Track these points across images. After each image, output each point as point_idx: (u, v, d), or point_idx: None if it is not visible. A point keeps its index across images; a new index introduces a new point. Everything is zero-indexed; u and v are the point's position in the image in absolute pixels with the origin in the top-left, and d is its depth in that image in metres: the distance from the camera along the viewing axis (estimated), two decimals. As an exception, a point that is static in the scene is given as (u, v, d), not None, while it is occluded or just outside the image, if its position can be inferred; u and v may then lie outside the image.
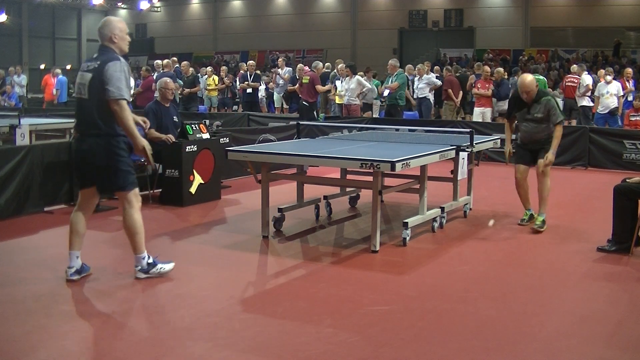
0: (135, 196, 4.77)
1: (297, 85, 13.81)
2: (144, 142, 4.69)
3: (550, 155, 6.45)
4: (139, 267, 4.86)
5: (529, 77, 6.59)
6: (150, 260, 4.89)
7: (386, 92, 13.12)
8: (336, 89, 14.34)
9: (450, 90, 14.43)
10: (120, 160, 4.65)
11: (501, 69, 14.27)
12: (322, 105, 15.07)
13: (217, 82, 16.62)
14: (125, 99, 4.54)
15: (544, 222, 6.54)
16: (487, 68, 14.18)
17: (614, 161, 10.74)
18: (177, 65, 15.95)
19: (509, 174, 7.88)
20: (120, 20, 4.83)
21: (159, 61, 15.43)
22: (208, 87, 16.57)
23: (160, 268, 4.92)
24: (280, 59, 18.21)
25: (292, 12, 34.76)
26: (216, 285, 4.94)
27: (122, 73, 4.53)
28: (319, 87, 13.27)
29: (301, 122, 8.19)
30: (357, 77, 13.67)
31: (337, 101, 14.51)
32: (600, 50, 26.88)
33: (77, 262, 4.84)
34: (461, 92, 15.00)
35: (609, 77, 12.95)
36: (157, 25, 38.43)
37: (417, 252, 5.81)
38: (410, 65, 16.00)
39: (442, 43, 30.80)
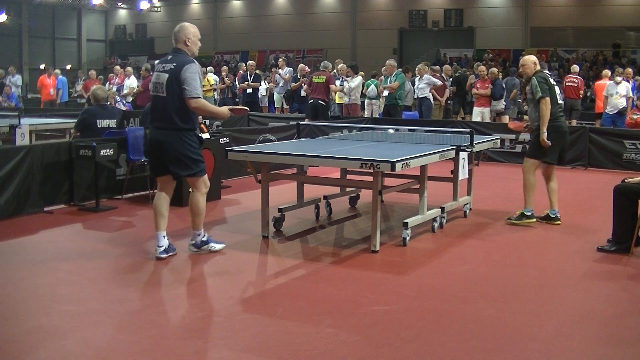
0: (203, 182, 5.41)
1: (306, 85, 13.74)
2: (225, 109, 5.46)
3: (541, 136, 6.56)
4: (193, 242, 5.53)
5: (531, 56, 6.95)
6: (205, 238, 5.52)
7: (386, 92, 13.12)
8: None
9: (434, 91, 14.45)
10: (192, 151, 5.26)
11: (495, 69, 14.24)
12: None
13: (212, 83, 16.41)
14: (200, 97, 5.17)
15: (521, 215, 6.74)
16: (482, 68, 14.16)
17: (614, 161, 10.75)
18: None
19: (509, 174, 7.92)
20: (193, 26, 5.38)
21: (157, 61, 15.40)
22: (203, 88, 16.46)
23: (211, 247, 5.53)
24: (280, 59, 18.18)
25: (292, 12, 34.75)
26: (216, 285, 4.94)
27: (197, 74, 5.16)
28: (334, 87, 13.20)
29: (309, 123, 8.18)
30: (359, 77, 13.70)
31: (337, 101, 14.48)
32: (600, 50, 26.87)
33: (164, 242, 5.39)
34: (447, 92, 15.04)
35: (618, 78, 12.97)
36: (157, 25, 38.40)
37: (417, 252, 5.81)
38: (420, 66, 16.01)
39: (442, 43, 30.79)
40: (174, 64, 5.16)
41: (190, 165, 5.26)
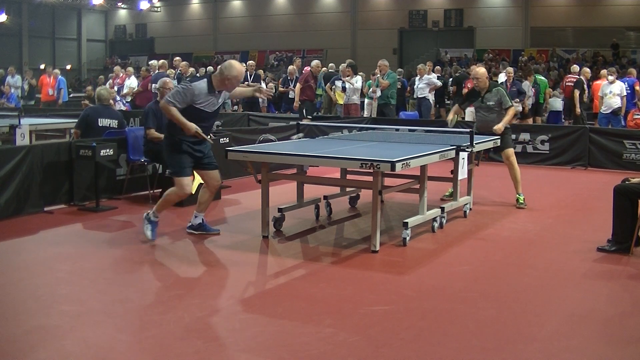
0: (177, 182, 5.87)
1: (299, 84, 13.87)
2: (192, 126, 5.64)
3: (499, 125, 7.56)
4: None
5: (482, 69, 8.09)
6: (153, 219, 5.94)
7: (378, 92, 13.16)
8: (344, 89, 14.30)
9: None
10: (167, 154, 5.95)
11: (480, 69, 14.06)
12: (324, 105, 15.05)
13: None
14: (169, 103, 5.60)
15: (524, 200, 7.70)
16: (474, 67, 14.00)
17: (614, 161, 10.74)
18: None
19: (508, 174, 7.92)
20: (242, 69, 5.78)
21: (154, 62, 15.32)
22: None
23: (145, 228, 5.95)
24: (297, 60, 18.11)
25: (292, 12, 34.75)
26: (216, 285, 4.94)
27: (182, 89, 5.63)
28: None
29: (302, 122, 8.21)
30: (359, 77, 13.71)
31: (339, 102, 14.46)
32: (599, 50, 26.86)
33: (195, 221, 6.20)
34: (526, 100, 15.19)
35: (611, 77, 12.92)
36: (157, 25, 38.41)
37: (417, 252, 5.81)
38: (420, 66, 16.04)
39: (442, 43, 30.79)
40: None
41: (168, 166, 6.12)
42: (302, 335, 3.89)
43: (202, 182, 6.19)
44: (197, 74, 16.98)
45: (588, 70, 14.20)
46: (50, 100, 16.70)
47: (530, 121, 14.33)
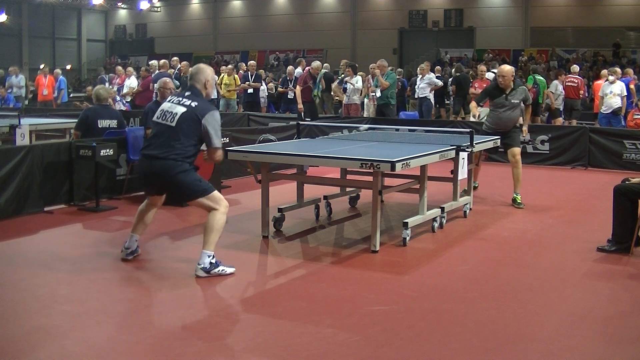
0: (218, 199, 5.12)
1: (299, 86, 13.93)
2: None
3: (525, 128, 8.23)
4: (202, 265, 4.97)
5: (508, 66, 7.98)
6: (213, 261, 5.00)
7: (378, 93, 13.17)
8: (345, 90, 14.32)
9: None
10: (191, 176, 5.07)
11: (484, 67, 13.99)
12: (319, 105, 15.06)
13: (239, 82, 15.41)
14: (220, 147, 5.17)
15: (521, 199, 7.76)
16: (482, 67, 13.96)
17: (614, 161, 10.74)
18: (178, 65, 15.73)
19: (509, 174, 7.92)
20: (210, 69, 5.30)
21: (155, 61, 15.27)
22: (229, 89, 15.31)
23: (222, 270, 5.02)
24: (303, 61, 18.08)
25: (292, 12, 34.74)
26: (216, 285, 4.93)
27: (219, 123, 5.12)
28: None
29: (305, 123, 8.26)
30: (359, 77, 13.73)
31: (344, 101, 14.49)
32: (599, 50, 26.86)
33: (134, 245, 5.40)
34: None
35: (611, 77, 12.92)
36: (157, 25, 38.40)
37: (417, 252, 5.81)
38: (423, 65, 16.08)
39: (442, 43, 30.79)
40: (196, 103, 5.04)
41: (194, 189, 5.07)
42: (302, 335, 3.89)
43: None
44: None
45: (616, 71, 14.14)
46: (45, 100, 16.67)
47: (560, 121, 14.29)
